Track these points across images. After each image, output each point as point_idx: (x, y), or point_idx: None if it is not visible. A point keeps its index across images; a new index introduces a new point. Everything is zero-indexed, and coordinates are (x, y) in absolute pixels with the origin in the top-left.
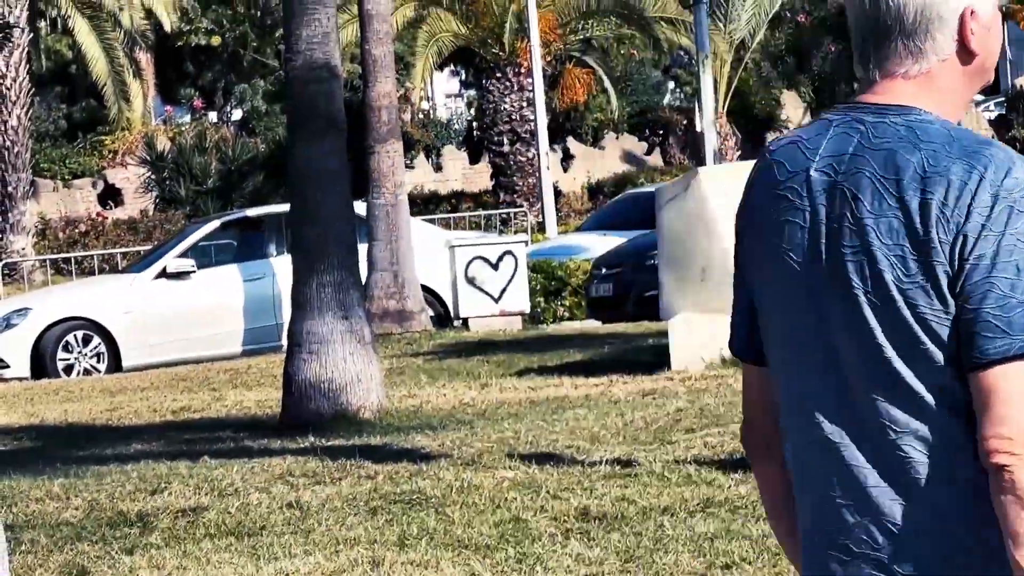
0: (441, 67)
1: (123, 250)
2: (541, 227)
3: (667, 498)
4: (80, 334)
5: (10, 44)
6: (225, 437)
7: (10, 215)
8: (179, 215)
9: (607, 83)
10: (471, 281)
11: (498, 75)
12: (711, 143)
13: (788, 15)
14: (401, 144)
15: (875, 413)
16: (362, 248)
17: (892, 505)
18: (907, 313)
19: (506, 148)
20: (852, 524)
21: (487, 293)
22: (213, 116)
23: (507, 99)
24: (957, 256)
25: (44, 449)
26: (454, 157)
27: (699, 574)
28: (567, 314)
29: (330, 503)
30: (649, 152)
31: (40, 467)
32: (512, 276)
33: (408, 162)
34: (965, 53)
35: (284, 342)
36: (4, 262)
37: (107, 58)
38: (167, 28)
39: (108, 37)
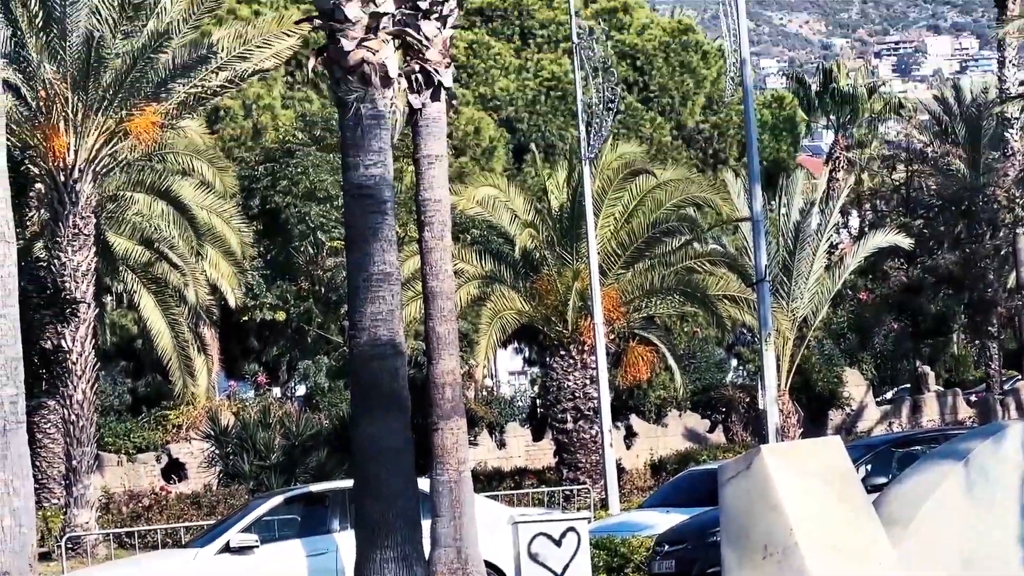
0: (505, 344)
1: (186, 524)
2: (604, 504)
3: None
4: None
5: (76, 319)
6: None
7: (74, 489)
8: (243, 490)
9: (670, 360)
10: (534, 557)
11: (561, 352)
12: (773, 421)
13: (850, 293)
14: (465, 421)
15: None
16: (425, 524)
17: None
18: None
19: (569, 425)
20: None
21: (550, 569)
22: (277, 391)
23: (571, 376)
24: None
25: None
26: (517, 434)
27: None
28: None
29: None
30: (712, 429)
31: None
32: (575, 553)
33: (472, 439)
34: None
35: None
36: (68, 536)
37: (172, 333)
38: (232, 304)
39: (173, 312)
